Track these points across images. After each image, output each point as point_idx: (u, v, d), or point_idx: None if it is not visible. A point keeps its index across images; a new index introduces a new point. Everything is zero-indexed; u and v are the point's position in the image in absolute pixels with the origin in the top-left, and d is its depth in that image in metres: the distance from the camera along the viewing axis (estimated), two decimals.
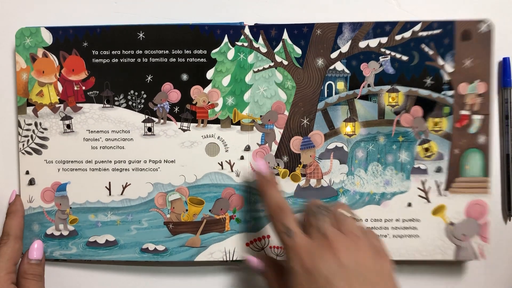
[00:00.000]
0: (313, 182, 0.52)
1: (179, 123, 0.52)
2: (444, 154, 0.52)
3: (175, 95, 0.52)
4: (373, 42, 0.51)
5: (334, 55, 0.51)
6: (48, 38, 0.51)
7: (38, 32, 0.51)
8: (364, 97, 0.52)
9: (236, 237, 0.52)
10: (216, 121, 0.52)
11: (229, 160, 0.52)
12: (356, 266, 0.38)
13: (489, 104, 0.51)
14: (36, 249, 0.50)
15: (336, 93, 0.52)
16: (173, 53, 0.51)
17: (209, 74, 0.52)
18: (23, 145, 0.52)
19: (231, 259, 0.52)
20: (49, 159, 0.52)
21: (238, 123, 0.52)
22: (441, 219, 0.52)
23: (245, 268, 0.54)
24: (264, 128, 0.52)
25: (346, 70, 0.52)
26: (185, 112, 0.52)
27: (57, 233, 0.52)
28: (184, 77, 0.52)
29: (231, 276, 0.54)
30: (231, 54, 0.51)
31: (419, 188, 0.52)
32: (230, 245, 0.52)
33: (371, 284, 0.38)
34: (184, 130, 0.52)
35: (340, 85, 0.52)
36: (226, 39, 0.51)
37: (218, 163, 0.52)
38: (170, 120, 0.52)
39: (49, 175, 0.52)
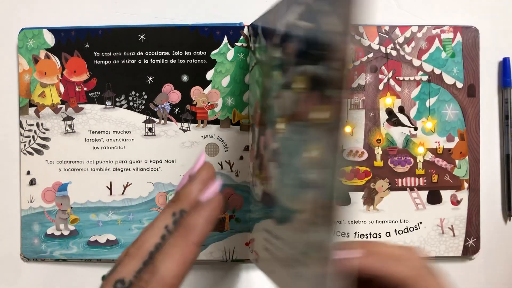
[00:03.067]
0: None
1: (179, 124, 0.52)
2: None
3: (175, 96, 0.52)
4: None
5: None
6: (50, 39, 0.52)
7: (41, 34, 0.52)
8: None
9: (235, 237, 0.52)
10: (216, 122, 0.52)
11: (229, 160, 0.52)
12: None
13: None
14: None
15: None
16: (173, 54, 0.52)
17: (209, 75, 0.52)
18: (25, 145, 0.52)
19: (230, 258, 0.52)
20: (51, 159, 0.52)
21: (237, 123, 0.52)
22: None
23: (245, 268, 0.54)
24: None
25: None
26: (185, 113, 0.52)
27: (57, 233, 0.52)
28: (184, 78, 0.52)
29: (230, 276, 0.54)
30: (230, 54, 0.52)
31: None
32: (229, 245, 0.52)
33: None
34: (184, 131, 0.52)
35: None
36: (225, 40, 0.52)
37: (218, 163, 0.52)
38: (171, 120, 0.52)
39: (50, 175, 0.52)
